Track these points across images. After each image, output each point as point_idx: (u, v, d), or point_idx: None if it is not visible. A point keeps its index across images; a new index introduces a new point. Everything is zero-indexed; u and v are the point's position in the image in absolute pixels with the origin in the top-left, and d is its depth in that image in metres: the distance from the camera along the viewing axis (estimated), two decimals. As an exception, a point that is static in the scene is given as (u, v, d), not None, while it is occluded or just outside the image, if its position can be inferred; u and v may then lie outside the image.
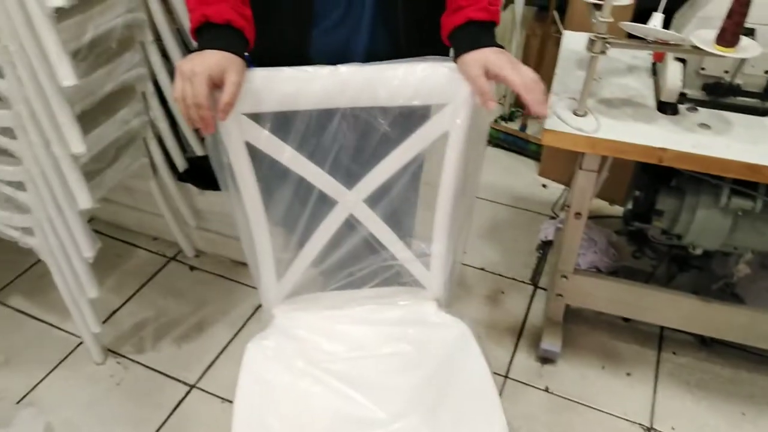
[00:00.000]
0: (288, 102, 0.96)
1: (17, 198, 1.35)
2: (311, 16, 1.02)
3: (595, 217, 2.05)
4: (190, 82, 0.84)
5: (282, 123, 0.98)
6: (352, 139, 1.02)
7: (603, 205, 2.16)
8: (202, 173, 1.82)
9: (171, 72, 1.53)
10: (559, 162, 2.23)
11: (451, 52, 0.98)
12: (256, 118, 0.96)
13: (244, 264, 1.88)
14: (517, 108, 2.55)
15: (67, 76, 1.07)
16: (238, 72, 0.87)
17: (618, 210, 2.12)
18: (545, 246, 1.96)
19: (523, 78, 0.92)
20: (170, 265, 1.98)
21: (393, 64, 0.97)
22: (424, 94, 0.96)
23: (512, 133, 2.43)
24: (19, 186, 1.33)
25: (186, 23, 1.47)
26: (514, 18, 2.36)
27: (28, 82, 1.12)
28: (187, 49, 1.52)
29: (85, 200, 1.28)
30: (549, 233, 1.93)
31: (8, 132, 1.24)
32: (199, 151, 1.69)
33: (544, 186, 2.30)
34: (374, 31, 1.06)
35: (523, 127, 2.45)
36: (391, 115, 1.00)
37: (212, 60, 0.86)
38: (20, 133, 1.23)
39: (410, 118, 1.01)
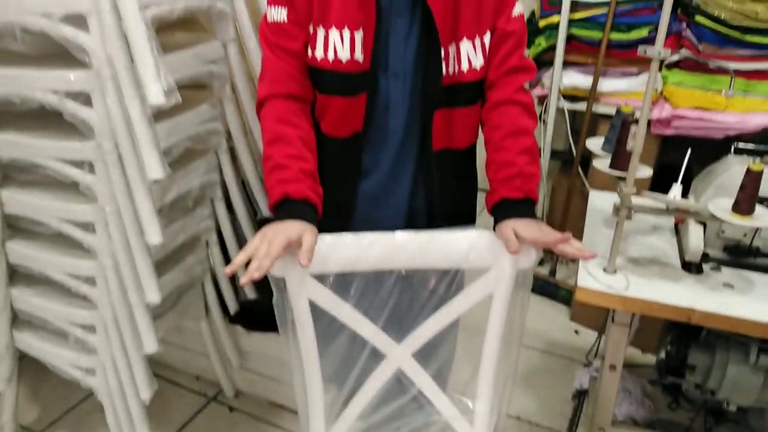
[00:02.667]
0: (349, 264, 1.08)
1: (87, 340, 1.46)
2: (359, 170, 1.18)
3: (629, 366, 2.07)
4: (268, 242, 0.96)
5: (342, 282, 1.10)
6: (405, 298, 1.13)
7: (635, 353, 2.19)
8: (251, 315, 1.92)
9: (234, 223, 1.70)
10: (591, 308, 2.29)
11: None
12: (319, 278, 1.08)
13: (283, 407, 1.93)
14: (546, 252, 2.67)
15: (155, 235, 1.22)
16: (315, 235, 1.01)
17: (650, 358, 2.14)
18: (580, 395, 1.98)
19: (553, 237, 1.04)
20: (210, 405, 2.03)
21: (443, 231, 1.09)
22: (473, 259, 1.08)
23: (542, 277, 2.53)
24: (90, 329, 1.44)
25: (252, 180, 1.64)
26: (540, 170, 2.54)
27: (118, 238, 1.27)
28: (249, 203, 1.69)
29: (152, 345, 1.38)
30: (584, 382, 1.96)
31: (90, 280, 1.38)
32: (251, 295, 1.81)
33: (576, 332, 2.35)
34: (414, 189, 1.21)
35: (553, 272, 2.55)
36: (440, 276, 1.12)
37: (292, 227, 1.00)
38: (100, 282, 1.36)
39: (456, 278, 1.12)
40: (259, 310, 1.92)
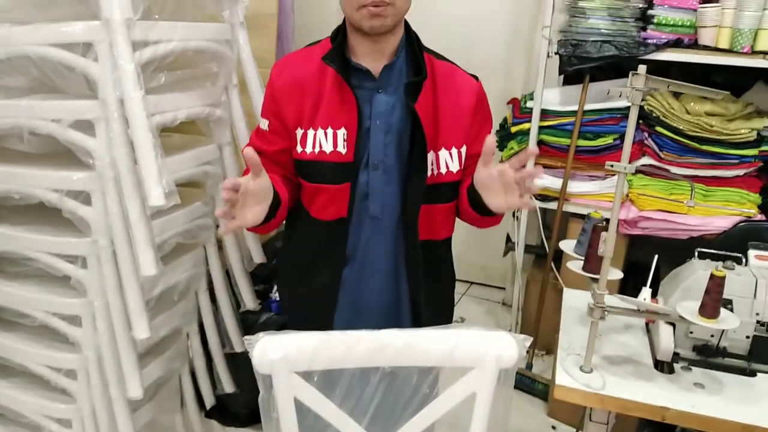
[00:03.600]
0: (336, 362, 1.11)
1: (61, 434, 1.43)
2: (344, 252, 1.25)
3: (606, 463, 2.07)
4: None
5: (329, 379, 1.12)
6: (390, 395, 1.15)
7: (612, 450, 2.19)
8: (226, 409, 1.90)
9: (215, 314, 1.72)
10: (567, 404, 2.30)
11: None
12: (306, 374, 1.10)
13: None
14: (521, 347, 2.70)
15: (143, 331, 1.24)
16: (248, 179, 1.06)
17: (627, 455, 2.14)
18: (559, 493, 1.96)
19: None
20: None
21: (427, 330, 1.13)
22: (456, 358, 1.12)
23: (518, 371, 2.54)
24: (66, 423, 1.41)
25: (237, 272, 1.68)
26: (514, 264, 2.63)
27: (105, 331, 1.28)
28: (234, 295, 1.72)
29: (129, 440, 1.36)
30: (562, 480, 1.95)
31: (70, 373, 1.37)
32: (229, 388, 1.80)
33: (553, 428, 2.35)
34: (395, 277, 1.28)
35: (529, 366, 2.58)
36: (421, 374, 1.15)
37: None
38: (82, 376, 1.35)
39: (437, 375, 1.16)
40: (235, 405, 1.90)
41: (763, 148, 2.04)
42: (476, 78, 1.28)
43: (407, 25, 1.23)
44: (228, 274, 1.72)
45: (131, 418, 1.38)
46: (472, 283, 3.31)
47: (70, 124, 1.14)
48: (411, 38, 1.23)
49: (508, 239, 2.74)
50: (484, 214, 1.23)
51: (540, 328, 2.58)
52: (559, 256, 2.48)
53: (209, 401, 1.82)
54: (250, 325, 1.80)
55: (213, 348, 1.73)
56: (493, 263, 3.20)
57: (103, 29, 1.07)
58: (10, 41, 1.11)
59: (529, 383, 2.52)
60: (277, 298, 1.90)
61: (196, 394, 1.84)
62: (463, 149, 1.25)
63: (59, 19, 1.12)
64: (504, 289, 3.22)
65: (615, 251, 1.36)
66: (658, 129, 2.07)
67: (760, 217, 2.08)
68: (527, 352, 2.62)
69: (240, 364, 1.79)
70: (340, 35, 1.19)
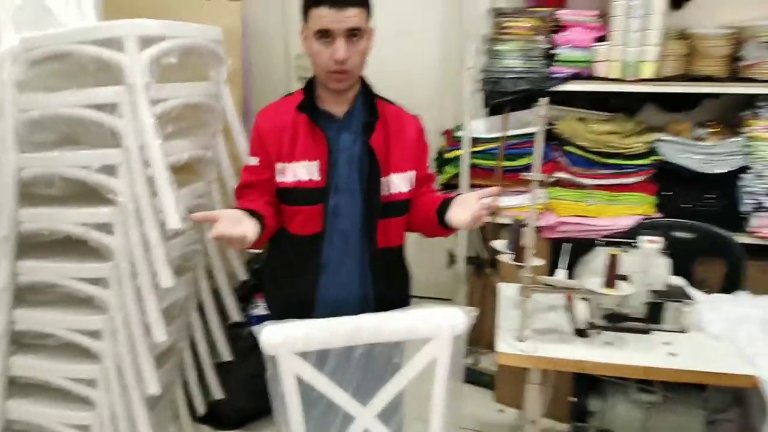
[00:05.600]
0: (324, 343, 1.40)
1: (82, 438, 1.63)
2: (319, 262, 1.54)
3: (548, 434, 2.41)
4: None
5: (321, 358, 1.41)
6: (369, 368, 1.45)
7: (553, 424, 2.53)
8: (217, 415, 2.12)
9: (205, 328, 1.96)
10: (511, 388, 2.64)
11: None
12: (303, 355, 1.39)
13: None
14: (470, 346, 3.03)
15: (161, 335, 1.49)
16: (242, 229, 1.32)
17: (565, 427, 2.49)
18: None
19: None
20: None
21: (393, 312, 1.44)
22: (417, 331, 1.43)
23: (467, 366, 2.87)
24: (86, 429, 1.63)
25: (224, 291, 1.93)
26: (457, 275, 2.98)
27: (124, 341, 1.52)
28: (223, 316, 1.97)
29: (148, 433, 1.59)
30: (513, 449, 2.26)
31: (91, 383, 1.59)
32: (219, 395, 2.03)
33: (501, 411, 2.68)
34: (363, 280, 1.58)
35: (476, 362, 2.91)
36: (394, 348, 1.45)
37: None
38: (102, 384, 1.58)
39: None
40: (225, 410, 2.12)
41: (655, 157, 2.47)
42: (417, 117, 1.64)
43: (363, 79, 1.57)
44: (216, 295, 1.98)
45: (149, 416, 1.61)
46: (421, 297, 3.63)
47: (97, 169, 1.40)
48: (367, 88, 1.57)
49: (451, 255, 3.10)
50: (446, 228, 1.54)
51: (484, 328, 2.92)
52: (496, 264, 2.83)
53: (201, 409, 2.05)
54: (234, 337, 2.05)
55: (203, 358, 1.97)
56: (438, 279, 3.53)
57: (127, 92, 1.35)
58: (47, 105, 1.37)
59: (476, 376, 2.85)
60: (257, 314, 2.16)
61: (188, 403, 2.06)
62: (412, 173, 1.58)
63: (82, 86, 1.39)
64: (451, 300, 3.55)
65: (540, 254, 1.72)
66: (567, 148, 2.48)
67: (657, 215, 2.50)
68: (473, 351, 2.95)
69: (228, 372, 2.03)
70: (310, 88, 1.52)
